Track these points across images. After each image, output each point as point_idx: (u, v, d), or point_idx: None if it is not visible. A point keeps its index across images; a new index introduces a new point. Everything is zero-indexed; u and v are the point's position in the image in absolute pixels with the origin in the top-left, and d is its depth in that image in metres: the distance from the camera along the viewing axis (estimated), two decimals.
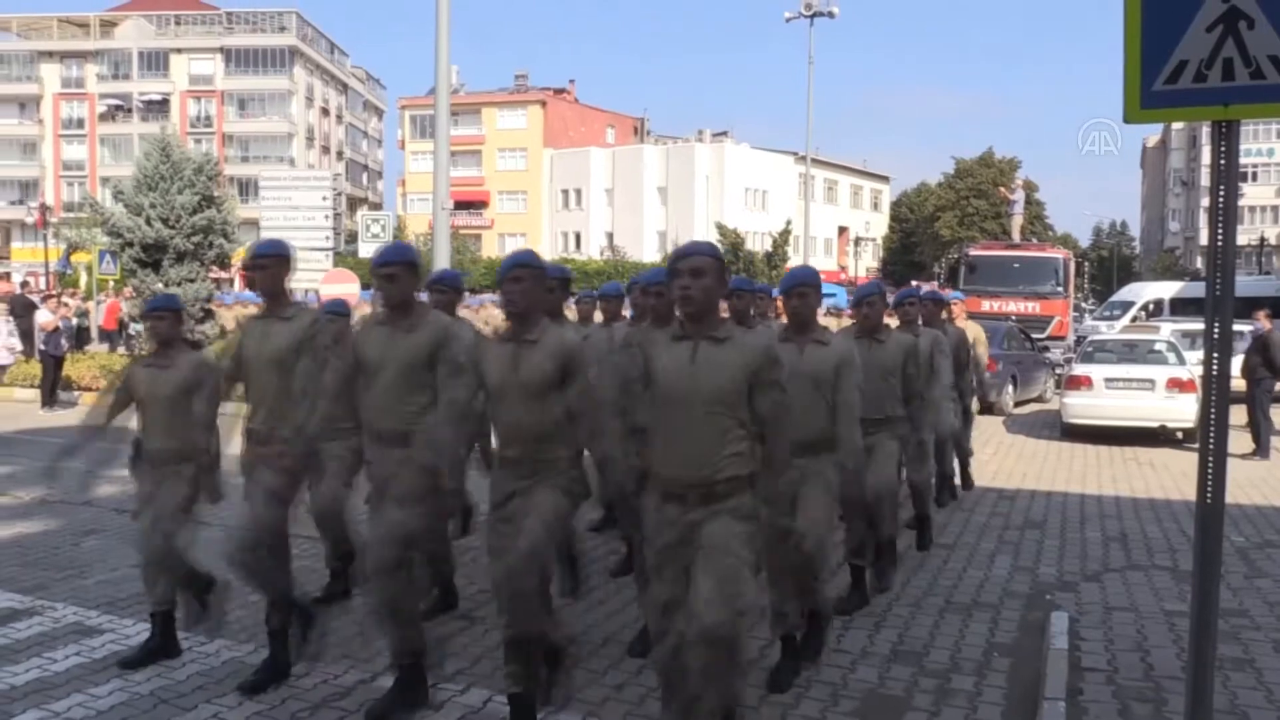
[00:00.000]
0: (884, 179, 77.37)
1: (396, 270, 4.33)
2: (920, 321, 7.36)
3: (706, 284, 3.46)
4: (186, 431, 4.78)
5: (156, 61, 64.74)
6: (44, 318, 15.96)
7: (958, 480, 9.30)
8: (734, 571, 3.41)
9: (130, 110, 61.85)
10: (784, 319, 5.14)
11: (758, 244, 50.01)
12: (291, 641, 4.66)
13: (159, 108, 61.74)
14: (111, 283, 24.21)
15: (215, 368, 4.91)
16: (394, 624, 4.22)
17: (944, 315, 8.66)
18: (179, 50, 64.83)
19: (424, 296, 5.53)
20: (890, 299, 7.32)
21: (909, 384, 5.98)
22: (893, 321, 7.03)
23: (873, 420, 5.52)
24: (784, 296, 4.85)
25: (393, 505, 4.23)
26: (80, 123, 65.27)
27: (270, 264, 4.64)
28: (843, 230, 68.03)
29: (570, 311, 8.20)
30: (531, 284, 3.97)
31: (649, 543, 3.64)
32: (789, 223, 48.21)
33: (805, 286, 4.78)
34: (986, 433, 13.35)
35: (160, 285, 22.08)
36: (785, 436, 3.57)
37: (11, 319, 17.52)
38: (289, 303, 4.75)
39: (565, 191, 64.83)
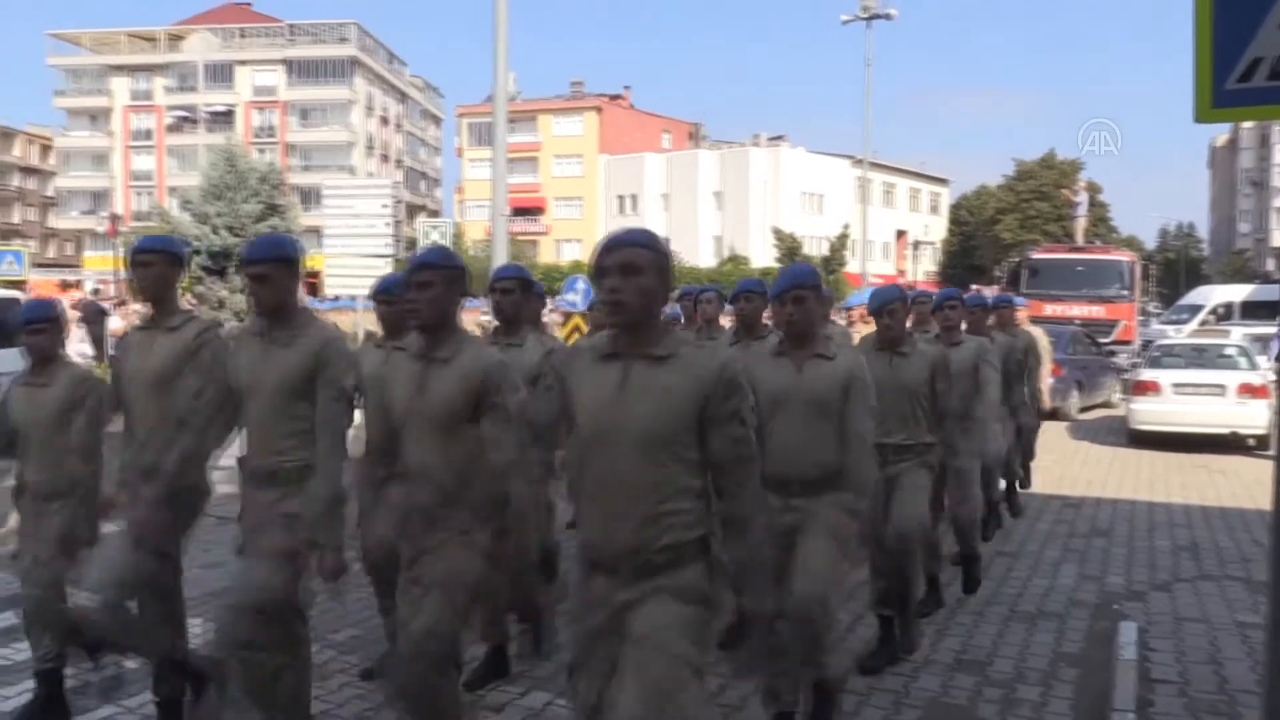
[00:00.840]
0: (943, 181, 76.39)
1: (266, 269, 3.51)
2: (964, 328, 6.48)
3: (643, 284, 2.62)
4: (68, 460, 4.14)
5: (221, 73, 66.15)
6: (115, 324, 16.40)
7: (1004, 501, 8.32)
8: (670, 678, 2.59)
9: (196, 121, 63.28)
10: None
11: (815, 248, 49.80)
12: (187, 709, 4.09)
13: (224, 119, 63.13)
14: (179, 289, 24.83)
15: (98, 385, 4.24)
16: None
17: (990, 320, 7.63)
18: (243, 62, 66.16)
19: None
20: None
21: (940, 402, 4.98)
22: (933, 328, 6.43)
23: (898, 447, 4.83)
24: (777, 301, 4.00)
25: (254, 563, 3.57)
26: (149, 134, 66.88)
27: (155, 260, 3.91)
28: (901, 234, 67.33)
29: (583, 319, 7.92)
30: (443, 289, 3.29)
31: (573, 625, 2.87)
32: (846, 226, 47.96)
33: (803, 289, 3.88)
34: (1051, 439, 13.12)
35: (225, 292, 22.56)
36: (750, 488, 2.72)
37: (84, 325, 18.03)
38: (175, 310, 4.02)
39: (621, 197, 65.02)
